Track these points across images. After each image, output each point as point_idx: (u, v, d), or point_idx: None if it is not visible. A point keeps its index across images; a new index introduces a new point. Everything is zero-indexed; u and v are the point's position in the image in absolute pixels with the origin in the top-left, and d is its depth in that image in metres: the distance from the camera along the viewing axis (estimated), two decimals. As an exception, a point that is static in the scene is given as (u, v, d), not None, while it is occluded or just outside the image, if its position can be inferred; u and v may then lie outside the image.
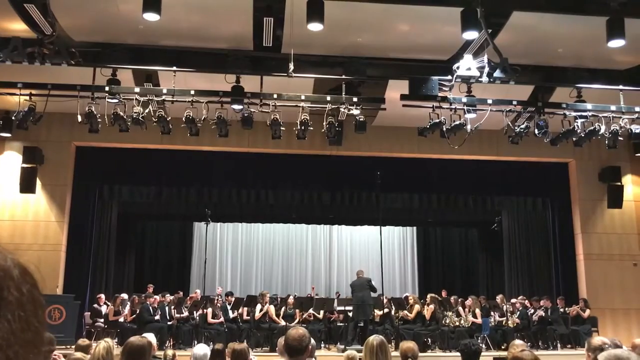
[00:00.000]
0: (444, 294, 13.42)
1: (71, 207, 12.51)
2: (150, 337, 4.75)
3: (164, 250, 16.81)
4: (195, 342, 10.30)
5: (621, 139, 10.44)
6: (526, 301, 12.30)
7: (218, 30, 9.24)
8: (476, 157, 13.14)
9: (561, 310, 12.22)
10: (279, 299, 12.58)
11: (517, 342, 5.30)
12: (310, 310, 11.81)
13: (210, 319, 11.25)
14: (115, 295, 11.74)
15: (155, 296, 11.55)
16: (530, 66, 10.05)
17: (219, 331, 10.99)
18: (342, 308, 12.03)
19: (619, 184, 13.34)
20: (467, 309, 11.82)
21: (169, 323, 11.04)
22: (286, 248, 17.88)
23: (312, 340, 3.62)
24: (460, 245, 18.09)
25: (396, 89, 10.11)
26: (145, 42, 9.71)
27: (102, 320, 11.27)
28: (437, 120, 10.06)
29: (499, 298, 12.48)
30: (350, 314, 11.27)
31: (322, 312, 11.91)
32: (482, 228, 16.58)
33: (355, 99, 9.98)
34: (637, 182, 13.74)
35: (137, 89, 9.76)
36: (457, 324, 11.53)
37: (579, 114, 10.23)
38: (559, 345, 11.61)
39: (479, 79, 8.79)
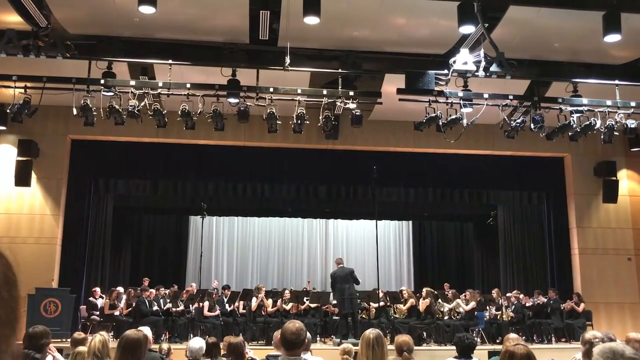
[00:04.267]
0: (446, 287, 13.44)
1: (66, 200, 12.46)
2: (146, 330, 4.75)
3: (159, 244, 16.80)
4: (191, 336, 10.31)
5: (617, 133, 10.48)
6: (521, 295, 12.35)
7: (214, 23, 9.21)
8: (472, 151, 13.16)
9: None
10: (279, 292, 12.60)
11: (512, 335, 5.30)
12: (305, 299, 11.86)
13: (206, 312, 11.26)
14: (110, 288, 11.72)
15: (151, 289, 11.57)
16: (526, 60, 10.06)
17: (214, 324, 11.01)
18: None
19: (614, 178, 13.37)
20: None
21: (163, 317, 11.06)
22: (282, 242, 17.91)
23: (308, 334, 3.63)
24: (456, 239, 18.15)
25: (392, 83, 10.09)
26: (141, 35, 9.67)
27: (97, 313, 11.27)
28: (433, 115, 10.06)
29: (494, 292, 12.52)
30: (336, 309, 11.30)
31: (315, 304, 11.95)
32: (477, 222, 16.64)
33: (351, 93, 9.98)
34: (632, 177, 13.78)
35: (132, 82, 9.72)
36: (452, 312, 11.59)
37: (575, 108, 10.25)
38: (553, 338, 11.67)
39: (475, 73, 8.79)
